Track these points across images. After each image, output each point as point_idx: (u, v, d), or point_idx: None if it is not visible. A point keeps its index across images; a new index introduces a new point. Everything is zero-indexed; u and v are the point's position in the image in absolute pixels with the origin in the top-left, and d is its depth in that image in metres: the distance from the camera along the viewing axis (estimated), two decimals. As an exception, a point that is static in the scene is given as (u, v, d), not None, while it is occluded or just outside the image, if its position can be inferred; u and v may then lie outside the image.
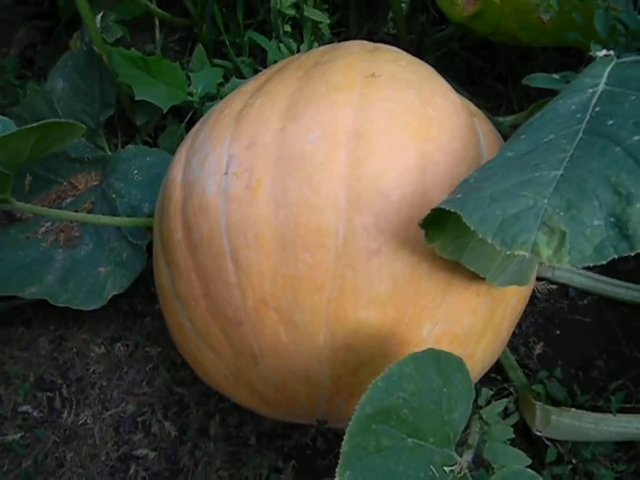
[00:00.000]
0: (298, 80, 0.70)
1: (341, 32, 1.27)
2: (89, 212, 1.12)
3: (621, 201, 0.40)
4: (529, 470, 0.49)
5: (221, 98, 1.11)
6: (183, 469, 0.90)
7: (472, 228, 0.42)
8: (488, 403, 0.78)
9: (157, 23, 1.30)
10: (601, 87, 0.51)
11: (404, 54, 0.79)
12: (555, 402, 0.79)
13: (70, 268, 1.04)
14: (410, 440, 0.50)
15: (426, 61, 1.30)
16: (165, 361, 1.01)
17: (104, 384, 1.01)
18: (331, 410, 0.69)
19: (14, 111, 1.23)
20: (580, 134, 0.46)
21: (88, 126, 1.20)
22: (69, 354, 1.06)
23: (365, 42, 0.82)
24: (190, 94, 1.07)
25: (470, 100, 1.20)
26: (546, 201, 0.41)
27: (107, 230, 1.06)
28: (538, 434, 0.77)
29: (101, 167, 1.20)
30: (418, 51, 1.27)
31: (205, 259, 0.65)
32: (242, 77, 1.16)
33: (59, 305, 0.99)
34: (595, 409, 0.76)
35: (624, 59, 0.56)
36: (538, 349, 0.89)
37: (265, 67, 1.18)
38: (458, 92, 1.09)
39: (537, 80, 0.70)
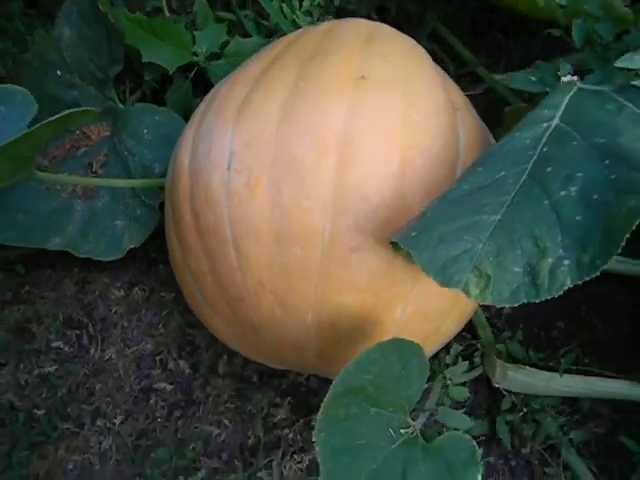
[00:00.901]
0: (297, 70, 0.76)
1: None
2: (103, 165, 1.20)
3: (538, 253, 0.48)
4: (466, 435, 0.62)
5: (225, 57, 1.15)
6: (196, 401, 1.05)
7: (420, 266, 0.51)
8: (456, 358, 0.91)
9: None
10: (555, 122, 0.57)
11: (396, 41, 0.83)
12: (514, 359, 0.91)
13: (89, 220, 1.14)
14: (373, 409, 0.62)
15: (431, 14, 1.28)
16: (178, 306, 1.14)
17: (125, 324, 1.14)
18: (318, 369, 0.82)
19: (25, 58, 1.27)
20: (524, 176, 0.53)
21: (96, 77, 1.25)
22: (92, 296, 1.18)
23: (361, 25, 0.86)
24: (195, 54, 1.11)
25: (471, 58, 1.23)
26: (481, 246, 0.49)
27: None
28: (497, 386, 0.90)
29: (111, 118, 1.25)
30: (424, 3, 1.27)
31: (211, 244, 0.75)
32: (246, 33, 1.19)
33: (81, 256, 1.10)
34: (548, 368, 0.88)
35: (586, 85, 0.61)
36: (507, 309, 1.00)
37: (268, 21, 1.20)
38: (457, 55, 1.11)
39: (516, 81, 0.75)
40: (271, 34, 1.17)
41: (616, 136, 0.51)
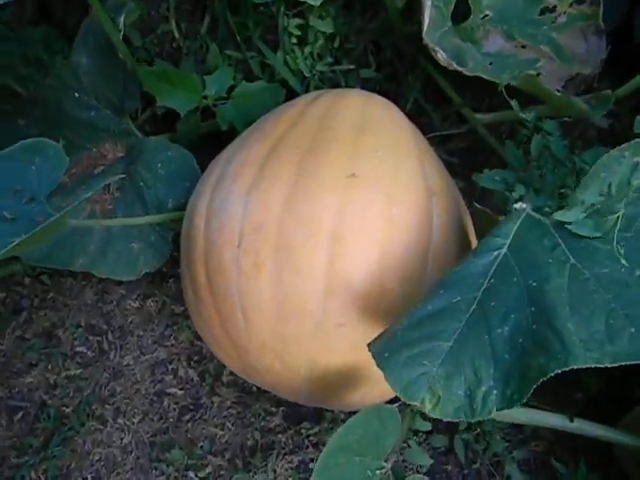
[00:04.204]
0: (298, 161, 0.88)
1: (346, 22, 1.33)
2: (119, 187, 1.33)
3: (476, 381, 0.62)
4: (425, 477, 0.80)
5: (232, 99, 1.25)
6: (203, 405, 1.23)
7: (389, 384, 0.65)
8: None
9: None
10: (503, 251, 0.69)
11: (385, 128, 0.95)
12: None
13: (107, 241, 1.27)
14: (357, 458, 0.80)
15: (422, 54, 1.37)
16: (187, 319, 1.29)
17: (140, 333, 1.30)
18: (309, 403, 0.99)
19: (46, 82, 1.37)
20: (474, 305, 0.66)
21: (112, 101, 1.35)
22: (111, 305, 1.34)
23: (355, 108, 0.97)
24: (205, 97, 1.22)
25: (457, 99, 1.33)
26: (435, 369, 0.63)
27: (136, 210, 1.27)
28: (457, 411, 1.08)
29: (125, 140, 1.37)
30: (417, 44, 1.35)
31: (222, 306, 0.90)
32: (251, 73, 1.29)
33: (102, 276, 1.25)
34: (499, 400, 1.07)
35: (533, 212, 0.73)
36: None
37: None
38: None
39: (483, 180, 0.88)
40: (274, 75, 1.27)
41: (545, 282, 0.64)
